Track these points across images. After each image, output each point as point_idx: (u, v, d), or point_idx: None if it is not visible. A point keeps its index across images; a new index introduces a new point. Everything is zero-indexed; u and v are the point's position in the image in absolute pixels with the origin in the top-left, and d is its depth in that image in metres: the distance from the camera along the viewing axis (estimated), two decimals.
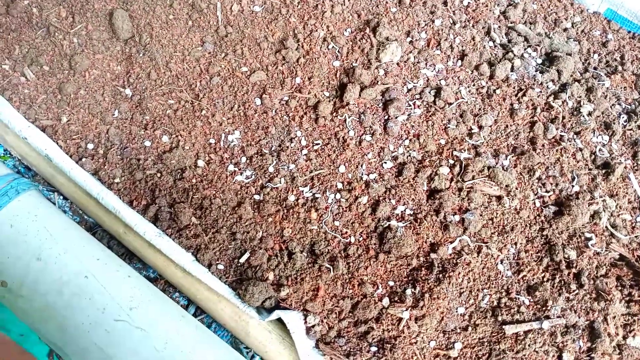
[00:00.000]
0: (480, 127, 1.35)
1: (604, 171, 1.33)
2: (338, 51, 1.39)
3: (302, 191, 1.25)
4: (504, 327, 1.14)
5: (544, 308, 1.17)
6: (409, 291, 1.17)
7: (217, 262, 1.17)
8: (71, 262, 1.07)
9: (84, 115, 1.27)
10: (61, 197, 1.23)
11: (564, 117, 1.37)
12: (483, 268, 1.20)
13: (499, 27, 1.49)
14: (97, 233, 1.23)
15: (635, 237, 1.26)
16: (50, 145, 1.20)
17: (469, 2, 1.50)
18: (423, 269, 1.19)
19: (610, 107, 1.41)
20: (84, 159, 1.22)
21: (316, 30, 1.40)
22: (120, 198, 1.20)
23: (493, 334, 1.14)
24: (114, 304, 1.04)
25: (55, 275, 1.05)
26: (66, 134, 1.25)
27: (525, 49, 1.46)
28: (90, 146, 1.24)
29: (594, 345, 1.13)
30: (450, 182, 1.27)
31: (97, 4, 1.38)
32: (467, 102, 1.37)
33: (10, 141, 1.24)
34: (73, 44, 1.34)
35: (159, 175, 1.22)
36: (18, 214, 1.11)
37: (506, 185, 1.27)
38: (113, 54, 1.36)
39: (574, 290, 1.19)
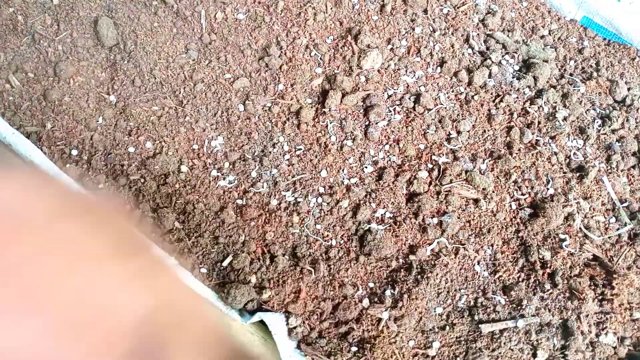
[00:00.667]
0: (459, 132, 1.38)
1: (578, 174, 1.37)
2: (320, 58, 1.42)
3: (285, 195, 1.27)
4: (480, 326, 1.17)
5: (519, 307, 1.20)
6: (388, 292, 1.20)
7: (200, 265, 1.19)
8: None
9: (69, 122, 1.29)
10: None
11: (539, 122, 1.41)
12: (460, 269, 1.23)
13: (478, 34, 1.53)
14: None
15: (609, 238, 1.30)
16: (35, 152, 1.22)
17: (448, 11, 1.54)
18: (402, 270, 1.22)
19: (585, 112, 1.45)
20: (68, 165, 1.24)
21: (299, 38, 1.43)
22: None
23: (470, 333, 1.17)
24: None
25: None
26: (51, 140, 1.26)
27: (503, 56, 1.50)
28: (75, 152, 1.26)
29: (567, 343, 1.17)
30: (429, 186, 1.30)
31: (82, 11, 1.40)
32: (446, 107, 1.40)
33: None
34: (58, 52, 1.35)
35: (142, 180, 1.24)
36: None
37: (483, 189, 1.31)
38: (98, 61, 1.38)
39: (548, 290, 1.22)
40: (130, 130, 1.30)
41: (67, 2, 1.42)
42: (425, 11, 1.53)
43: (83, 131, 1.29)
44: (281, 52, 1.41)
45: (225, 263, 1.20)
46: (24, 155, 1.22)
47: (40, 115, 1.29)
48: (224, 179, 1.28)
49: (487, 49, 1.52)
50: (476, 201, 1.30)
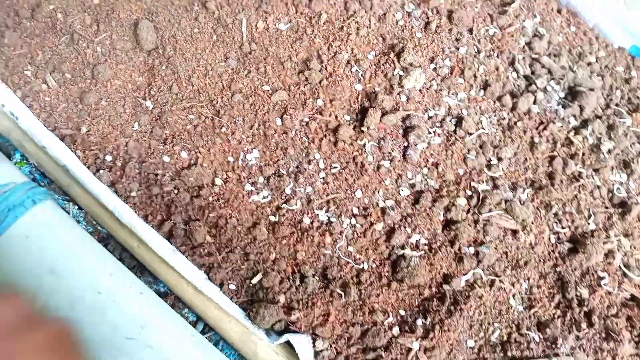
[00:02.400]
0: (500, 159, 1.34)
1: (620, 210, 1.33)
2: (361, 74, 1.38)
3: (318, 214, 1.24)
4: None
5: (553, 345, 1.16)
6: (419, 321, 1.16)
7: (229, 281, 1.17)
8: (85, 277, 1.07)
9: (104, 127, 1.27)
10: (76, 207, 1.23)
11: (583, 154, 1.37)
12: (495, 302, 1.20)
13: (524, 58, 1.49)
14: (110, 244, 1.23)
15: None
16: (69, 156, 1.20)
17: (494, 32, 1.50)
18: (435, 299, 1.19)
19: (630, 145, 1.40)
20: (101, 171, 1.22)
21: (340, 53, 1.39)
22: (135, 212, 1.20)
23: None
24: (125, 321, 1.04)
25: (68, 289, 1.05)
26: (85, 144, 1.25)
27: (548, 82, 1.46)
28: (109, 158, 1.24)
29: None
30: (467, 214, 1.26)
31: (123, 13, 1.38)
32: (487, 133, 1.36)
33: (29, 148, 1.24)
34: (96, 53, 1.34)
35: (175, 191, 1.22)
36: (33, 225, 1.11)
37: (522, 220, 1.27)
38: (136, 64, 1.36)
39: (584, 329, 1.18)
40: (166, 139, 1.28)
41: (107, 3, 1.40)
42: (471, 31, 1.49)
43: (118, 137, 1.27)
44: (322, 66, 1.38)
45: (254, 280, 1.17)
46: (58, 159, 1.20)
47: (76, 118, 1.27)
48: (257, 193, 1.25)
49: (533, 73, 1.47)
50: (514, 232, 1.26)
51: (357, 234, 1.23)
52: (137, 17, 1.39)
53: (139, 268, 1.23)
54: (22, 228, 1.10)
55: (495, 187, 1.30)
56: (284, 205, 1.24)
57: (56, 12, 1.37)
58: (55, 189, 1.25)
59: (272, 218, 1.23)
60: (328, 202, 1.26)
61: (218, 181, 1.25)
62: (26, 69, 1.30)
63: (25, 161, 1.28)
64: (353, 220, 1.24)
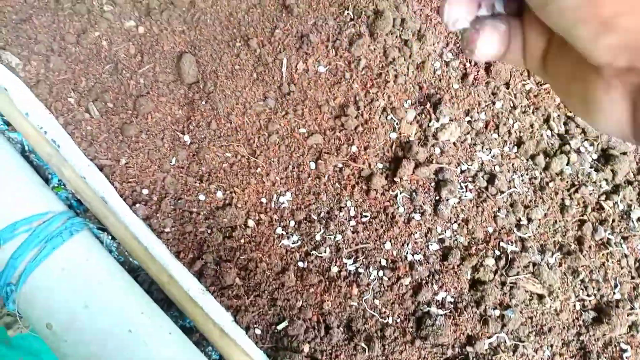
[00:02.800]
0: (530, 220, 1.34)
1: None
2: (396, 123, 1.39)
3: (346, 264, 1.25)
4: None
5: None
6: None
7: (255, 326, 1.18)
8: (117, 313, 1.08)
9: (143, 160, 1.28)
10: (110, 237, 1.25)
11: (613, 220, 1.37)
12: None
13: (559, 115, 1.49)
14: (140, 276, 1.25)
15: None
16: (107, 188, 1.22)
17: (531, 87, 1.50)
18: None
19: None
20: (137, 205, 1.23)
21: (377, 100, 1.40)
22: (168, 248, 1.21)
23: None
24: None
25: (100, 325, 1.07)
26: (123, 176, 1.26)
27: (582, 142, 1.46)
28: (145, 192, 1.26)
29: None
30: (495, 275, 1.27)
31: (167, 45, 1.40)
32: (519, 192, 1.37)
33: (67, 174, 1.25)
34: (139, 85, 1.35)
35: (209, 231, 1.23)
36: (70, 257, 1.12)
37: (549, 285, 1.27)
38: (176, 97, 1.37)
39: None
40: (202, 176, 1.29)
41: (152, 33, 1.41)
42: (508, 85, 1.50)
43: (156, 172, 1.28)
44: (358, 112, 1.39)
45: (280, 327, 1.18)
46: (96, 190, 1.22)
47: (116, 150, 1.29)
48: (288, 238, 1.26)
49: (567, 132, 1.48)
50: (541, 297, 1.26)
51: (384, 287, 1.24)
52: (181, 50, 1.41)
53: (167, 302, 1.24)
54: (59, 260, 1.12)
55: (524, 248, 1.31)
56: (313, 252, 1.25)
57: (101, 40, 1.39)
58: (91, 217, 1.27)
59: (300, 264, 1.24)
60: (357, 251, 1.27)
61: (250, 223, 1.26)
62: (69, 96, 1.32)
63: (62, 186, 1.30)
64: (381, 273, 1.25)
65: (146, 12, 1.42)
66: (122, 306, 1.10)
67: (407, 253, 1.28)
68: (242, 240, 1.24)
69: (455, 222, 1.32)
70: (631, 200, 1.40)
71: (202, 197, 1.27)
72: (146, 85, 1.36)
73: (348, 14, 1.50)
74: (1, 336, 1.15)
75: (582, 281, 1.30)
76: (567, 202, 1.37)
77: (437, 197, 1.33)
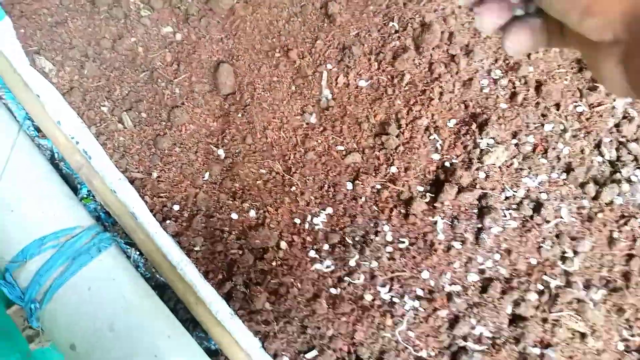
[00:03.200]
0: (576, 253, 1.27)
1: None
2: (439, 144, 1.33)
3: (380, 292, 1.20)
4: None
5: None
6: None
7: (283, 353, 1.14)
8: (143, 337, 1.06)
9: (175, 174, 1.25)
10: (137, 252, 1.22)
11: None
12: None
13: (611, 141, 1.40)
14: (166, 293, 1.22)
15: None
16: (138, 203, 1.19)
17: (583, 110, 1.42)
18: None
19: None
20: (167, 221, 1.20)
21: (420, 118, 1.34)
22: (197, 267, 1.18)
23: None
24: None
25: (125, 349, 1.04)
26: (154, 190, 1.23)
27: (634, 171, 1.37)
28: (176, 208, 1.23)
29: None
30: (536, 310, 1.21)
31: (204, 54, 1.36)
32: (565, 222, 1.29)
33: (97, 185, 1.23)
34: (174, 95, 1.31)
35: (240, 252, 1.20)
36: (97, 276, 1.10)
37: (593, 323, 1.20)
38: (211, 108, 1.33)
39: None
40: (235, 193, 1.25)
41: (189, 41, 1.37)
42: (558, 106, 1.42)
43: (188, 187, 1.25)
44: (399, 131, 1.33)
45: (309, 356, 1.14)
46: (126, 205, 1.19)
47: (148, 162, 1.25)
48: (321, 262, 1.22)
49: (619, 159, 1.39)
50: (583, 335, 1.20)
51: (419, 318, 1.19)
52: (218, 59, 1.36)
53: (193, 322, 1.21)
54: (85, 278, 1.10)
55: (568, 283, 1.24)
56: (347, 278, 1.21)
57: (137, 46, 1.35)
58: (119, 230, 1.24)
59: (333, 291, 1.19)
60: (392, 279, 1.21)
61: (283, 244, 1.22)
62: (103, 105, 1.29)
63: (91, 197, 1.27)
64: (416, 303, 1.20)
65: (184, 19, 1.38)
66: (148, 330, 1.07)
67: (445, 283, 1.22)
68: (274, 263, 1.20)
69: (497, 252, 1.26)
70: None
71: (234, 215, 1.23)
72: (181, 95, 1.32)
73: (393, 25, 1.43)
74: (23, 348, 1.13)
75: (627, 320, 1.23)
76: (616, 234, 1.30)
77: (480, 225, 1.26)
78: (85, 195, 1.27)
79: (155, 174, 1.24)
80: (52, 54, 1.30)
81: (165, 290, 1.23)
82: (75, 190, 1.28)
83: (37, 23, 1.33)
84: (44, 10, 1.34)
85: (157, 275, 1.23)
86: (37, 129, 1.29)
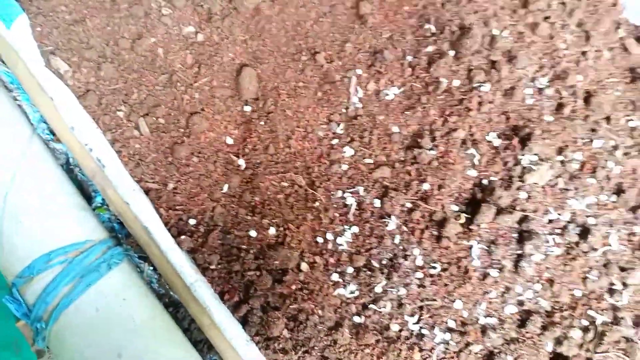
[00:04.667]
0: (625, 285, 1.16)
1: None
2: (477, 159, 1.22)
3: (407, 322, 1.11)
4: None
5: None
6: None
7: None
8: None
9: (192, 186, 1.17)
10: (151, 268, 1.15)
11: None
12: None
13: None
14: (180, 312, 1.15)
15: None
16: (152, 217, 1.12)
17: (636, 125, 1.29)
18: None
19: None
20: (183, 236, 1.13)
21: (456, 130, 1.23)
22: (212, 286, 1.11)
23: None
24: None
25: None
26: (170, 202, 1.16)
27: None
28: (192, 222, 1.15)
29: None
30: (580, 349, 1.10)
31: (226, 56, 1.27)
32: (614, 250, 1.18)
33: (111, 195, 1.16)
34: (194, 100, 1.24)
35: (258, 273, 1.12)
36: (106, 295, 1.03)
37: None
38: (232, 114, 1.25)
39: None
40: (255, 207, 1.17)
41: (211, 42, 1.29)
42: (609, 120, 1.29)
43: (206, 200, 1.17)
44: (433, 144, 1.23)
45: None
46: (140, 218, 1.12)
47: (164, 172, 1.18)
48: (344, 286, 1.13)
49: None
50: None
51: (449, 353, 1.09)
52: (241, 62, 1.28)
53: (207, 344, 1.14)
54: (94, 298, 1.03)
55: (616, 319, 1.13)
56: (372, 305, 1.11)
57: (157, 47, 1.28)
58: (132, 243, 1.17)
59: (356, 319, 1.11)
60: (421, 308, 1.12)
61: (304, 266, 1.13)
62: (119, 109, 1.22)
63: (105, 207, 1.21)
64: (447, 336, 1.10)
65: (207, 18, 1.30)
66: (159, 356, 1.00)
67: (479, 315, 1.12)
68: (294, 287, 1.11)
69: (537, 281, 1.15)
70: None
71: (253, 233, 1.15)
72: (201, 101, 1.24)
73: (429, 27, 1.32)
74: None
75: None
76: None
77: (519, 251, 1.16)
78: (99, 205, 1.21)
79: (171, 185, 1.17)
80: (68, 54, 1.24)
81: (179, 308, 1.16)
82: (89, 198, 1.22)
83: (54, 21, 1.26)
84: (62, 7, 1.28)
85: (172, 292, 1.16)
86: (52, 132, 1.23)
